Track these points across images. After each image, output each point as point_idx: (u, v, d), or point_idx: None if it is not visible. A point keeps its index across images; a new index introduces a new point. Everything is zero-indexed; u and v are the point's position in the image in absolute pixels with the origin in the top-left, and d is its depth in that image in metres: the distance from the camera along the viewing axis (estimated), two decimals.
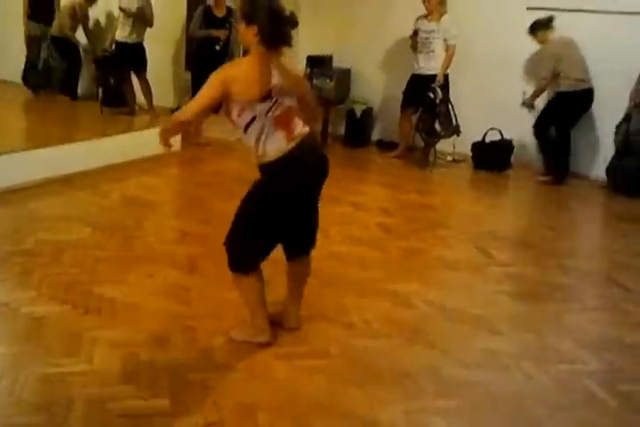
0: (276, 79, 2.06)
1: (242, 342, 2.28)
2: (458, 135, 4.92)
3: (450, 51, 4.80)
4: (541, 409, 2.01)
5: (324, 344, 2.32)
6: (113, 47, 5.42)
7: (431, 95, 4.73)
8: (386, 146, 5.44)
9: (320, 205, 2.30)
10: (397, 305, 2.66)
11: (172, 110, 5.57)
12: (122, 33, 5.25)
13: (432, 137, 4.90)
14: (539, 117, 4.70)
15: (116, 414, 1.86)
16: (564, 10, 4.67)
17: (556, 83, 4.63)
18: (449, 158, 5.16)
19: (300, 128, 2.14)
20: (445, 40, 4.81)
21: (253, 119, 2.06)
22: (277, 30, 2.05)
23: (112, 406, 1.89)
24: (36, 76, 5.95)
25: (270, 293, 2.33)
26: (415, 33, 4.88)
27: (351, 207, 3.60)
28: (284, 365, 2.17)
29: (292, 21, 2.10)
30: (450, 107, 4.83)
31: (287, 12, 2.10)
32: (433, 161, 5.01)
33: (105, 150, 4.47)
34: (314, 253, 2.39)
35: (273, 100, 2.05)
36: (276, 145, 2.07)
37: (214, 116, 5.79)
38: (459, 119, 4.86)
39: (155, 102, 5.53)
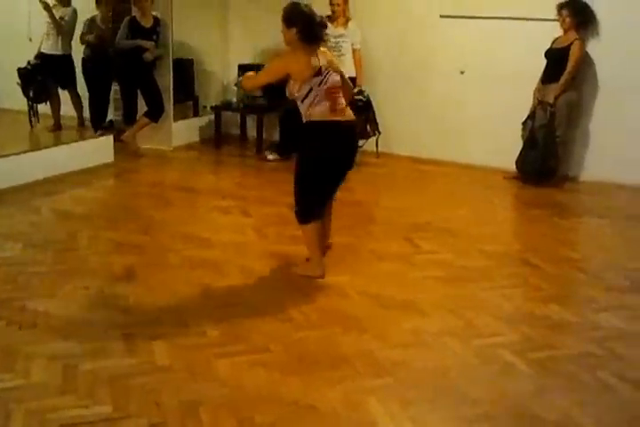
0: (321, 61, 2.81)
1: (302, 276, 2.96)
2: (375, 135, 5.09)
3: (357, 54, 5.01)
4: (465, 381, 2.18)
5: (264, 340, 2.40)
6: (36, 59, 5.21)
7: (360, 97, 4.84)
8: None
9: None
10: (332, 296, 2.79)
11: (103, 126, 5.46)
12: (47, 44, 5.05)
13: (364, 138, 5.01)
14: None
15: (57, 424, 1.87)
16: (473, 17, 4.98)
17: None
18: None
19: (343, 105, 2.86)
20: (352, 44, 4.98)
21: (310, 90, 2.78)
22: (313, 31, 2.78)
23: (53, 416, 1.90)
24: None
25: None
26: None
27: (285, 208, 3.71)
28: (225, 362, 2.23)
29: (323, 24, 2.84)
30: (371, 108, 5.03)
31: (319, 18, 2.83)
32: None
33: (33, 165, 4.38)
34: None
35: (324, 75, 2.80)
36: (320, 110, 2.80)
37: (148, 127, 5.70)
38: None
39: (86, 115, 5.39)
